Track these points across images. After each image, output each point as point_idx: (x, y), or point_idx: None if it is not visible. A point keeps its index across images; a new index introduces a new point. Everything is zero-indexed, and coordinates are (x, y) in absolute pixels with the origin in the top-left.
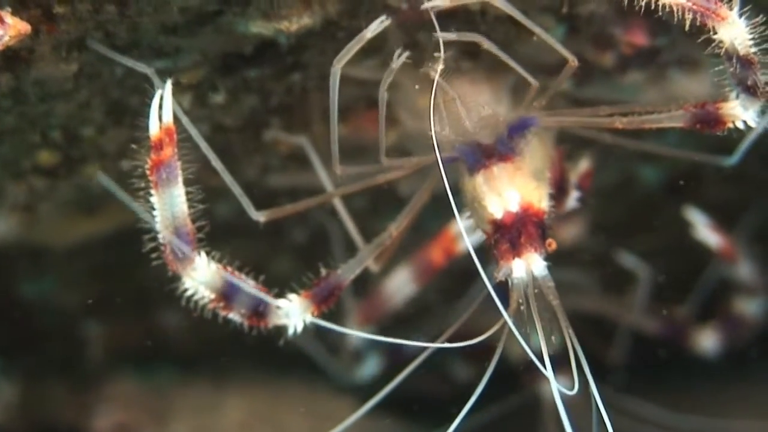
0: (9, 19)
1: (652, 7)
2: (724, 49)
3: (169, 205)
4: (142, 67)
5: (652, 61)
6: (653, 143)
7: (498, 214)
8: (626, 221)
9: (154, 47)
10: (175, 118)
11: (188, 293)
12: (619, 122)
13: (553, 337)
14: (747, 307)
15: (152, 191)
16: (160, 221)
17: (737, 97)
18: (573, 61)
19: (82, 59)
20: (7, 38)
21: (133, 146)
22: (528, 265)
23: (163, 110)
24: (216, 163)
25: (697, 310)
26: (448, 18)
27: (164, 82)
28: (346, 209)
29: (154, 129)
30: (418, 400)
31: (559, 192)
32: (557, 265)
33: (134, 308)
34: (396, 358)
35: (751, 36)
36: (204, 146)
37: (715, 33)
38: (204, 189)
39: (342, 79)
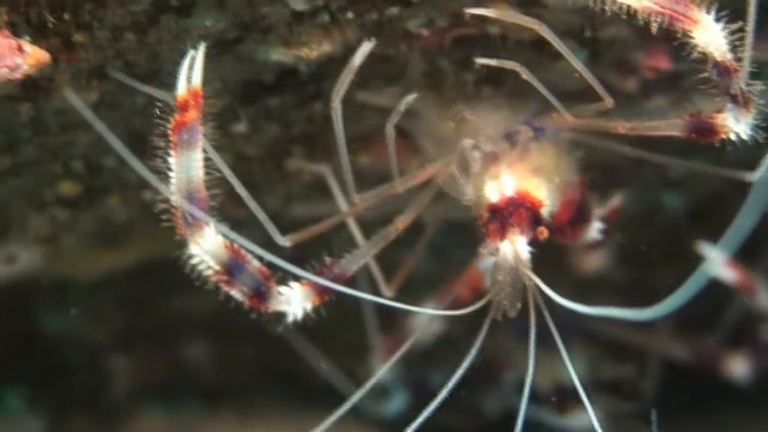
0: (28, 47)
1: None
2: (702, 55)
3: (186, 168)
4: (162, 95)
5: (675, 85)
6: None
7: (494, 197)
8: (651, 249)
9: (175, 76)
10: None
11: (193, 261)
12: (621, 127)
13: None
14: None
15: (171, 152)
16: (175, 183)
17: (730, 108)
18: (609, 102)
19: (102, 88)
20: (26, 67)
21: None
22: (512, 245)
23: (193, 72)
24: (240, 189)
25: (727, 337)
26: (468, 44)
27: None
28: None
29: (181, 89)
30: None
31: (579, 219)
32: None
33: (159, 341)
34: (422, 393)
35: (728, 41)
36: (227, 173)
37: (692, 38)
38: (227, 219)
39: (363, 107)
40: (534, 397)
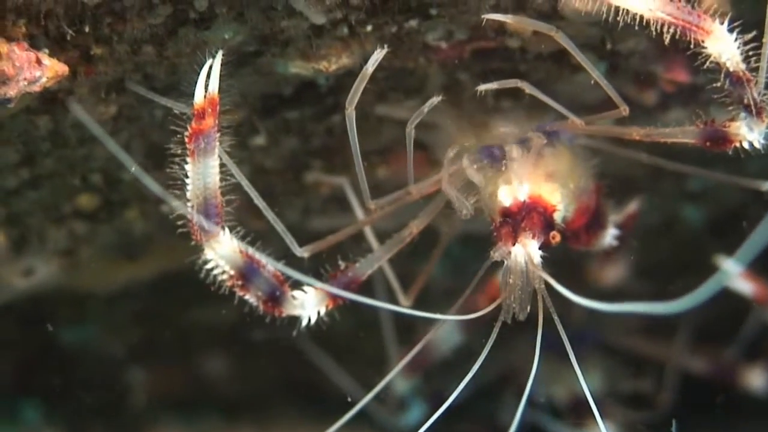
0: (47, 60)
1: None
2: (715, 65)
3: (202, 175)
4: (181, 108)
5: (693, 98)
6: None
7: (507, 201)
8: (670, 262)
9: (193, 89)
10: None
11: (208, 266)
12: (636, 133)
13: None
14: None
15: (188, 159)
16: (192, 190)
17: (743, 117)
18: (625, 110)
19: (121, 101)
20: (44, 80)
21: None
22: (524, 249)
23: (210, 80)
24: (258, 201)
25: (745, 350)
26: (486, 57)
27: None
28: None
29: (198, 98)
30: None
31: (595, 226)
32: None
33: (177, 354)
34: (440, 405)
35: (740, 51)
36: (246, 184)
37: (704, 48)
38: (246, 231)
39: (382, 120)
40: (553, 410)
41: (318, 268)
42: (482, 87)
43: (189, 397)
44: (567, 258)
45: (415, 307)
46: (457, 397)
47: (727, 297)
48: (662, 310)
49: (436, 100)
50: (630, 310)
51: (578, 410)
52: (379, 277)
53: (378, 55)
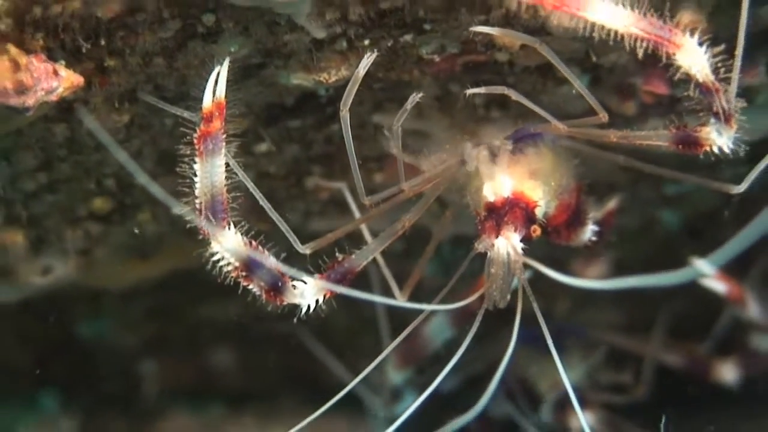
0: (63, 71)
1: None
2: (686, 76)
3: (209, 174)
4: (190, 116)
5: (672, 110)
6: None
7: (491, 197)
8: (647, 263)
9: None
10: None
11: (215, 258)
12: (614, 135)
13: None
14: (761, 343)
15: (196, 159)
16: (200, 188)
17: (713, 123)
18: (604, 116)
19: (133, 110)
20: (61, 90)
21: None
22: (507, 241)
23: (217, 85)
24: (263, 202)
25: (718, 346)
26: (476, 70)
27: None
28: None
29: (207, 102)
30: None
31: (575, 222)
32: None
33: (187, 348)
34: (433, 396)
35: (709, 62)
36: (251, 186)
37: (675, 60)
38: (249, 228)
39: (376, 128)
40: (534, 400)
41: (317, 261)
42: (470, 91)
43: (197, 387)
44: (551, 256)
45: (410, 301)
46: (448, 388)
47: (701, 296)
48: (664, 281)
49: (417, 96)
50: (614, 286)
51: (562, 403)
52: (376, 276)
53: (368, 60)
